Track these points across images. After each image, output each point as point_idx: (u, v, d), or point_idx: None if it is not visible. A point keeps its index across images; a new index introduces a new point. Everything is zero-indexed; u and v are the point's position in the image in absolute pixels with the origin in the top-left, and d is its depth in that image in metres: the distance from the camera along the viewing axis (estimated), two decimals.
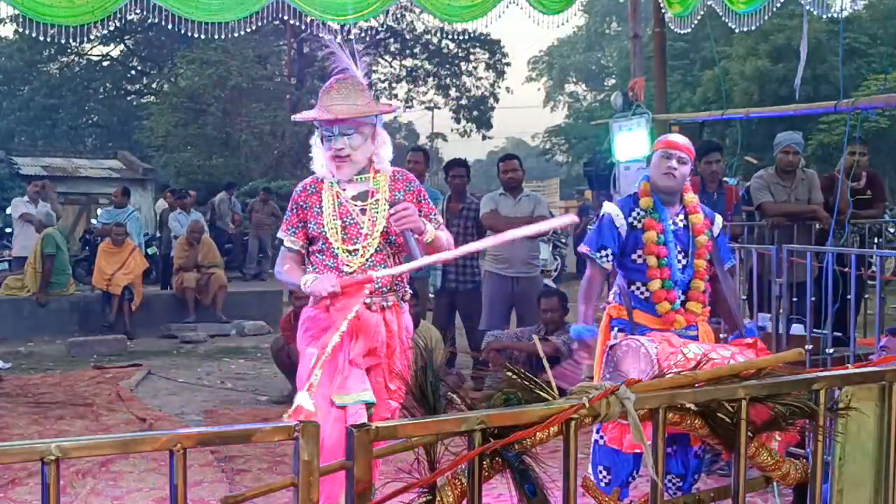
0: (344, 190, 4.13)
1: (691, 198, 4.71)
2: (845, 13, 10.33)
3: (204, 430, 2.05)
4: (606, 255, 4.57)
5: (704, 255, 4.62)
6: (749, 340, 4.26)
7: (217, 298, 12.58)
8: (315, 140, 4.19)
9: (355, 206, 4.10)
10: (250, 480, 5.73)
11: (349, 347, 3.97)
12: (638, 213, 4.60)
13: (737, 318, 4.90)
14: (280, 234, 4.25)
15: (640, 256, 4.56)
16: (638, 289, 4.58)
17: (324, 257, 4.11)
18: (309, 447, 1.90)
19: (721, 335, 5.14)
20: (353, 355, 3.98)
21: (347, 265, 4.04)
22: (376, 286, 4.03)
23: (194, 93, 27.24)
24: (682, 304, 4.56)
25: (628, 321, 4.53)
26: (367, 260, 4.05)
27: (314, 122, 4.15)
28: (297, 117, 4.31)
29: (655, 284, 4.51)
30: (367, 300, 4.01)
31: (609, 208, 4.66)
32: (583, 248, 4.66)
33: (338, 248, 4.07)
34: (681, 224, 4.63)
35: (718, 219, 4.81)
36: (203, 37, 7.40)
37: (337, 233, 4.06)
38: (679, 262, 4.57)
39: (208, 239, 13.63)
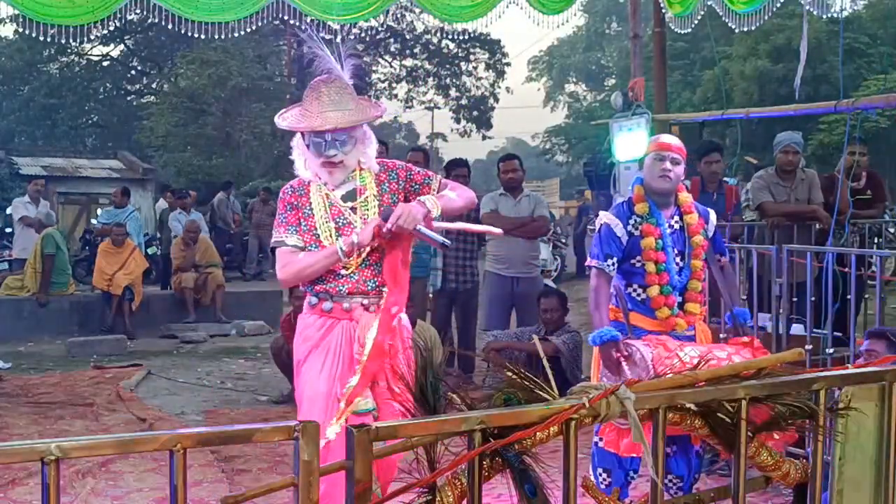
0: (332, 191, 4.03)
1: (685, 197, 4.70)
2: (845, 13, 10.34)
3: (204, 430, 2.05)
4: (613, 263, 4.55)
5: (700, 255, 4.63)
6: (745, 339, 4.26)
7: (216, 298, 12.58)
8: (298, 143, 4.09)
9: (346, 206, 4.00)
10: (250, 480, 5.73)
11: (354, 352, 3.89)
12: (635, 220, 4.58)
13: (732, 299, 4.90)
14: (280, 236, 4.03)
15: (638, 261, 4.55)
16: (634, 290, 4.58)
17: None
18: (309, 447, 1.90)
19: (721, 335, 5.15)
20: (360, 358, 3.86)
21: (344, 267, 3.94)
22: (371, 287, 3.95)
23: (194, 93, 27.23)
24: (681, 305, 4.56)
25: (624, 324, 4.51)
26: (363, 260, 3.95)
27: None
28: (286, 126, 4.08)
29: (654, 290, 4.50)
30: (365, 301, 3.95)
31: (606, 218, 4.64)
32: (591, 262, 4.63)
33: None
34: (676, 226, 4.63)
35: (712, 216, 4.80)
36: (203, 37, 7.40)
37: (331, 235, 3.95)
38: (676, 264, 4.57)
39: (205, 238, 13.65)
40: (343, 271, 3.93)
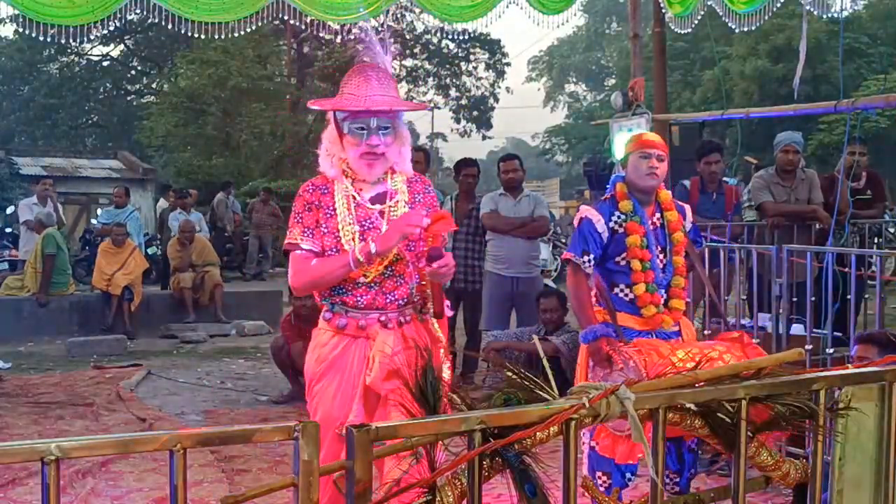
0: (360, 191, 3.71)
1: (665, 194, 4.71)
2: (845, 13, 10.34)
3: (204, 431, 2.05)
4: (589, 260, 4.53)
5: (681, 251, 4.64)
6: (735, 334, 4.25)
7: (214, 297, 12.59)
8: (329, 135, 3.74)
9: (373, 209, 3.69)
10: (250, 480, 5.73)
11: (365, 373, 3.61)
12: (619, 217, 4.56)
13: (717, 306, 5.06)
14: (293, 238, 3.70)
15: (623, 259, 4.53)
16: (622, 290, 4.56)
17: None
18: (309, 447, 1.90)
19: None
20: (372, 381, 3.55)
21: (362, 278, 3.63)
22: (391, 300, 3.65)
23: (194, 93, 27.24)
24: (665, 302, 4.56)
25: (612, 325, 4.50)
26: (385, 268, 3.64)
27: (341, 111, 3.66)
28: (329, 107, 3.76)
29: (640, 288, 4.49)
30: (382, 317, 3.65)
31: (587, 212, 4.61)
32: (567, 255, 4.62)
33: None
34: (658, 223, 4.63)
35: (688, 212, 4.81)
36: (203, 37, 7.41)
37: (354, 239, 3.62)
38: (660, 262, 4.57)
39: (201, 238, 13.64)
40: (362, 279, 3.64)
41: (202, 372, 9.54)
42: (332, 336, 3.69)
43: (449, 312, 3.82)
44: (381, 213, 3.69)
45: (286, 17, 7.40)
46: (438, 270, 3.52)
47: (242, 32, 7.67)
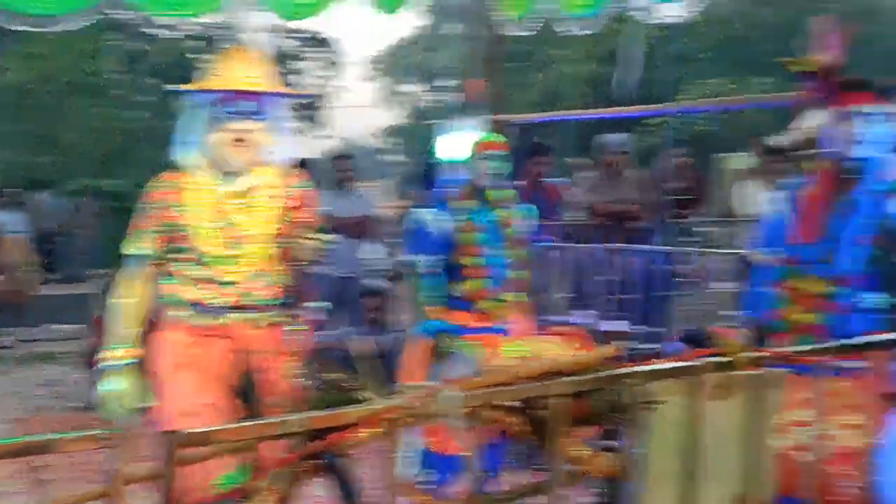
0: (218, 183, 3.44)
1: (499, 193, 4.82)
2: (671, 20, 10.73)
3: (7, 442, 1.97)
4: (425, 261, 4.60)
5: (515, 247, 4.75)
6: (566, 329, 4.37)
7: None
8: (193, 122, 3.47)
9: (233, 203, 3.42)
10: (60, 491, 5.46)
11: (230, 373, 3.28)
12: (453, 216, 4.66)
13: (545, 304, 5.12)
14: (127, 242, 3.46)
15: (459, 257, 4.62)
16: (457, 288, 4.63)
17: (189, 267, 3.40)
18: (118, 455, 1.86)
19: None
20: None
21: (223, 277, 3.37)
22: (253, 300, 3.42)
23: (21, 88, 26.18)
24: (500, 298, 4.65)
25: (446, 322, 4.55)
26: (250, 270, 3.40)
27: (208, 94, 3.42)
28: (192, 87, 3.49)
29: (475, 284, 4.58)
30: (249, 313, 3.40)
31: (422, 214, 4.71)
32: (403, 257, 4.71)
33: (209, 256, 3.37)
34: (491, 221, 4.73)
35: (529, 211, 4.94)
36: (30, 30, 7.12)
37: (208, 235, 3.37)
38: (495, 258, 4.67)
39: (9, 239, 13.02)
40: (224, 279, 3.41)
41: (13, 380, 9.14)
42: (188, 335, 3.37)
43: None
44: (241, 208, 3.43)
45: (116, 12, 7.19)
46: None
47: (74, 27, 7.41)
